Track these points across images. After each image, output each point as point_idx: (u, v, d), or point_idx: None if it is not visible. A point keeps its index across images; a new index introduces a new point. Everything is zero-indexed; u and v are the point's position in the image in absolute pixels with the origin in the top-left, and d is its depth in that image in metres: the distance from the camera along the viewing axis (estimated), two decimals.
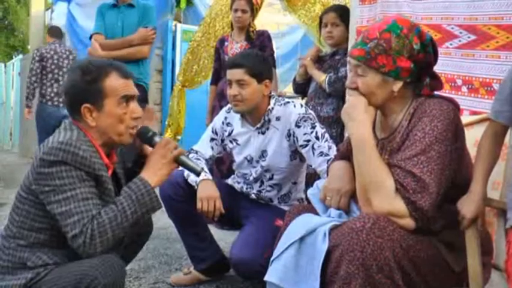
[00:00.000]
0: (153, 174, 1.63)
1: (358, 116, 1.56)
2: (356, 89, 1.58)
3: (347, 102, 1.64)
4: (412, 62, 1.53)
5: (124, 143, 1.67)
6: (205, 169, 2.34)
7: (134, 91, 1.67)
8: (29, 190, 1.55)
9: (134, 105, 1.66)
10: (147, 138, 1.72)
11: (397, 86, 1.55)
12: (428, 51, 1.57)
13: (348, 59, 1.63)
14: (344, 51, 3.04)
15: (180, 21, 6.65)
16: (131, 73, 1.70)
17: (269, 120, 2.31)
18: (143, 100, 3.60)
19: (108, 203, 1.57)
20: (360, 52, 1.56)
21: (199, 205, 2.19)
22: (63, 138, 1.52)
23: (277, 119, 2.30)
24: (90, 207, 1.49)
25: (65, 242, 1.51)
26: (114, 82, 1.61)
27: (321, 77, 3.04)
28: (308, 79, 3.24)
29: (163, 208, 2.04)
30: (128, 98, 1.64)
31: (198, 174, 1.76)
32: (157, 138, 1.71)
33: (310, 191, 1.82)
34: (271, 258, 1.62)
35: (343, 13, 3.10)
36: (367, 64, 1.54)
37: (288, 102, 2.33)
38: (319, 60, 3.22)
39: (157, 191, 2.36)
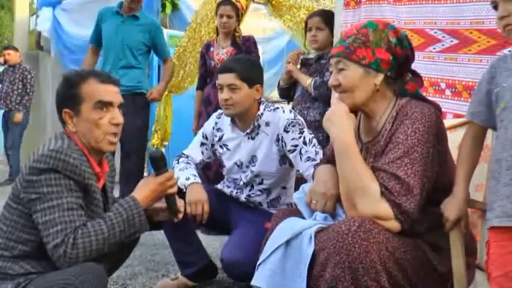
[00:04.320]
0: (145, 198, 1.65)
1: (339, 122, 1.58)
2: (339, 86, 1.60)
3: (329, 110, 1.66)
4: (390, 54, 1.57)
5: (102, 150, 1.67)
6: (195, 173, 2.35)
7: (112, 98, 1.66)
8: (18, 199, 1.54)
9: (114, 111, 1.66)
10: (159, 163, 1.73)
11: (379, 79, 1.58)
12: (404, 45, 1.61)
13: (330, 61, 1.66)
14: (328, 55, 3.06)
15: (165, 27, 6.63)
16: (115, 79, 1.71)
17: (259, 126, 2.32)
18: (144, 106, 3.66)
19: (95, 213, 1.56)
20: (339, 48, 1.60)
21: (187, 209, 2.19)
22: (54, 146, 1.53)
23: (267, 124, 2.31)
24: (74, 218, 1.48)
25: None
26: (90, 87, 1.63)
27: (307, 81, 3.07)
28: (292, 83, 3.26)
29: None
30: (105, 104, 1.64)
31: (174, 214, 1.80)
32: (164, 168, 1.74)
33: (296, 195, 1.83)
34: (258, 263, 1.62)
35: (327, 17, 3.13)
36: (348, 57, 1.57)
37: (277, 107, 2.34)
38: (305, 64, 3.24)
39: None
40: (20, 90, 6.46)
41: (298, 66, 3.27)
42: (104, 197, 1.70)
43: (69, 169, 1.50)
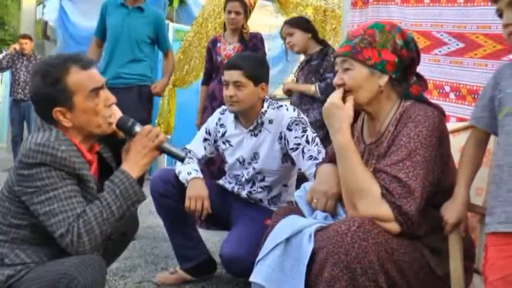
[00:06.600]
0: (135, 164, 1.61)
1: (334, 122, 1.58)
2: (343, 85, 1.60)
3: (326, 103, 1.64)
4: (396, 56, 1.57)
5: (105, 132, 1.65)
6: (197, 168, 2.36)
7: (100, 80, 1.62)
8: (11, 190, 1.54)
9: (105, 93, 1.62)
10: (128, 128, 1.67)
11: (383, 80, 1.58)
12: (410, 48, 1.61)
13: (336, 60, 1.66)
14: (317, 55, 3.14)
15: (172, 21, 6.64)
16: (92, 61, 1.65)
17: (262, 123, 2.32)
18: (149, 99, 3.65)
19: (90, 202, 1.56)
20: (345, 48, 1.61)
21: (187, 204, 2.21)
22: (40, 140, 1.49)
23: (270, 122, 2.31)
24: (74, 206, 1.48)
25: (46, 239, 1.50)
26: (77, 77, 1.55)
27: (311, 89, 3.12)
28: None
29: (150, 208, 2.04)
30: (96, 90, 1.59)
31: (182, 160, 1.74)
32: (137, 128, 1.67)
33: (297, 193, 1.84)
34: (257, 259, 1.63)
35: (293, 21, 3.31)
36: (354, 57, 1.58)
37: (281, 105, 2.35)
38: (307, 63, 3.28)
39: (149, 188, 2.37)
40: None
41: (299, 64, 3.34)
42: (107, 170, 1.68)
43: (58, 162, 1.48)
